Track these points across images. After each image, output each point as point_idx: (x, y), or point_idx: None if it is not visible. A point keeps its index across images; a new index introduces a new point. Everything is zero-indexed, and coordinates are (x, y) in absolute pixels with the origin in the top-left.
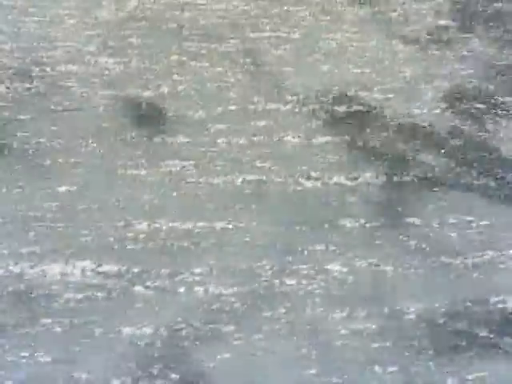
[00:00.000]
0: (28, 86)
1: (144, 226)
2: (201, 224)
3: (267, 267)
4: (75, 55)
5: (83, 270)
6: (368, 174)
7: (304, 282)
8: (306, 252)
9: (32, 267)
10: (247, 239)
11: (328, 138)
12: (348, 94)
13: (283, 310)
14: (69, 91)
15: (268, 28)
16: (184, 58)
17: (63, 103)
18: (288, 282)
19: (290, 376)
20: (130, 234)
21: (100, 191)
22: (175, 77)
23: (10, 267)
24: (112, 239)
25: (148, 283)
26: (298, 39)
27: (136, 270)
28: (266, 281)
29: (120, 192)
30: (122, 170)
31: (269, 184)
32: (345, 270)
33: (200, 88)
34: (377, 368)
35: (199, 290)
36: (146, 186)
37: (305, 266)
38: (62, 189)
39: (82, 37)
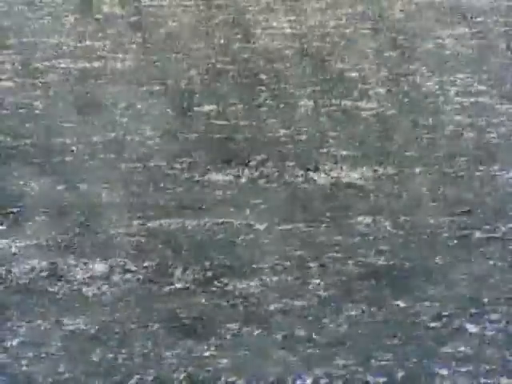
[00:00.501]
0: (34, 81)
1: (160, 222)
2: (210, 220)
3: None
4: (80, 51)
5: (106, 267)
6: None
7: (317, 278)
8: (317, 249)
9: (50, 262)
10: (254, 236)
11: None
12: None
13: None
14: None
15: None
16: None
17: (69, 98)
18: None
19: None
20: (143, 231)
21: (116, 187)
22: (185, 72)
23: (28, 262)
24: (128, 236)
25: (169, 279)
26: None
27: (153, 266)
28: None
29: (135, 188)
30: (135, 165)
31: (276, 180)
32: (356, 264)
33: (209, 83)
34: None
35: (218, 285)
36: (156, 183)
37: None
38: (84, 186)
39: (86, 32)
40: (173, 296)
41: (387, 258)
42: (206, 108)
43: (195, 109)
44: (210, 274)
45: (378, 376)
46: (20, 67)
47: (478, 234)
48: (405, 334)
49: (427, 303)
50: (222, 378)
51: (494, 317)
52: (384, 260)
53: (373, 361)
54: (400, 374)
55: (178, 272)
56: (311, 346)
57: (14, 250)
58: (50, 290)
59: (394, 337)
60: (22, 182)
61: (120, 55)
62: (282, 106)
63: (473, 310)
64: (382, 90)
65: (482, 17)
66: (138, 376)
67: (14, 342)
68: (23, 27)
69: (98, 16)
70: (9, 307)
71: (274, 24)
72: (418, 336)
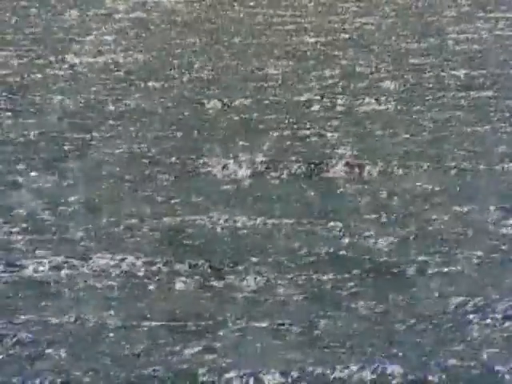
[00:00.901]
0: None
1: (165, 218)
2: (215, 216)
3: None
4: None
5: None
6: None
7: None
8: (320, 244)
9: (78, 259)
10: (258, 231)
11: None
12: None
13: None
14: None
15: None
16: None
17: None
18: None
19: None
20: (148, 227)
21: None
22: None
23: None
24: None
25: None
26: None
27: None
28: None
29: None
30: (142, 160)
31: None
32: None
33: (219, 77)
34: None
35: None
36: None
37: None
38: (87, 181)
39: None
40: (177, 292)
41: (392, 253)
42: (212, 103)
43: (200, 103)
44: (214, 269)
45: (392, 365)
46: (25, 63)
47: (482, 229)
48: (409, 327)
49: (433, 297)
50: (226, 373)
51: (500, 308)
52: (389, 256)
53: (377, 357)
54: (412, 364)
55: (183, 268)
56: (315, 340)
57: (25, 245)
58: (56, 284)
59: (398, 330)
60: (30, 176)
61: (124, 50)
62: (285, 101)
63: (480, 303)
64: (385, 86)
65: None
66: (139, 371)
67: (23, 335)
68: (28, 23)
69: (101, 11)
70: (19, 301)
71: (277, 20)
72: (422, 329)
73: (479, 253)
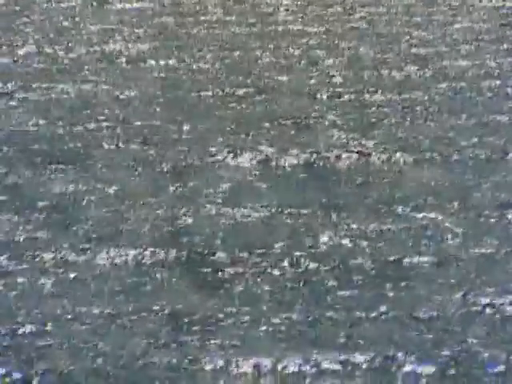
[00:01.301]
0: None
1: (172, 210)
2: (218, 208)
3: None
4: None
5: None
6: None
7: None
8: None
9: (84, 253)
10: (260, 221)
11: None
12: None
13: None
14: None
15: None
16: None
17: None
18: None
19: None
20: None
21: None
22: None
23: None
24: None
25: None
26: None
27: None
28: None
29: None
30: (149, 152)
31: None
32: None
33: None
34: None
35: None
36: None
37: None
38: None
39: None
40: (179, 286)
41: (396, 246)
42: (215, 92)
43: (204, 93)
44: (217, 261)
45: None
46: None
47: (488, 222)
48: (410, 322)
49: (436, 292)
50: (229, 368)
51: (502, 305)
52: (393, 249)
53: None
54: (414, 357)
55: (185, 260)
56: (317, 334)
57: (45, 236)
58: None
59: (400, 325)
60: (34, 168)
61: (126, 40)
62: (289, 91)
63: (482, 300)
64: (390, 75)
65: None
66: (141, 366)
67: (28, 329)
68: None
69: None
70: (20, 297)
71: (281, 9)
72: (423, 323)
73: (486, 247)
